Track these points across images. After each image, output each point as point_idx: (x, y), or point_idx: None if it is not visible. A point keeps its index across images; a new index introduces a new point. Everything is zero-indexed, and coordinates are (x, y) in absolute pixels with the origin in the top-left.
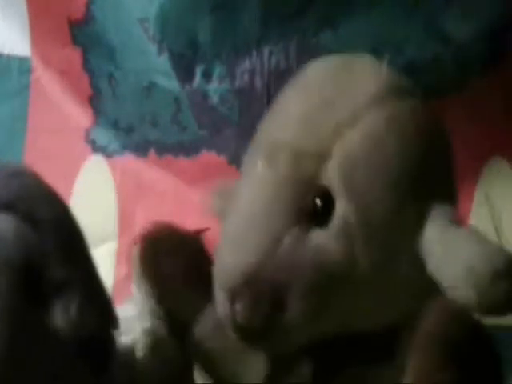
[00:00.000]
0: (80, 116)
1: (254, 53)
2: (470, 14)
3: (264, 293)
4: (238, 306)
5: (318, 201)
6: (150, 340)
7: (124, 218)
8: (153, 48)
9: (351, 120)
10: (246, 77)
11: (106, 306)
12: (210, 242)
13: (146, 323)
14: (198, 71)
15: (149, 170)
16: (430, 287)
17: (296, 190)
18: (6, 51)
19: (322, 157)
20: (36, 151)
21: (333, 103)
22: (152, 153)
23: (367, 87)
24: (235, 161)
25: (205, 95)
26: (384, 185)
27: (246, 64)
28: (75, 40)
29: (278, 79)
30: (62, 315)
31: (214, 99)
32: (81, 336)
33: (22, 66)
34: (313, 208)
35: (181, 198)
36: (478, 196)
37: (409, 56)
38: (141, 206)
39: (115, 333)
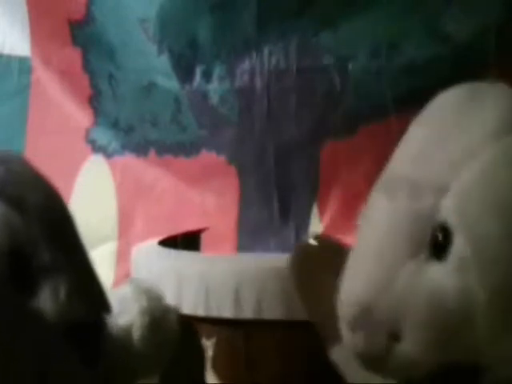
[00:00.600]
0: (80, 116)
1: (254, 53)
2: (470, 14)
3: (381, 324)
4: (357, 336)
5: (439, 234)
6: (147, 320)
7: (124, 218)
8: (153, 48)
9: (468, 156)
10: (246, 77)
11: (97, 292)
12: (209, 242)
13: (142, 302)
14: (198, 71)
15: (149, 170)
16: None
17: (414, 224)
18: (6, 51)
19: (439, 191)
20: (36, 151)
21: (451, 138)
22: (152, 153)
23: (485, 122)
24: (235, 161)
25: (205, 95)
26: (498, 220)
27: (246, 64)
28: (75, 40)
29: (278, 79)
30: (50, 299)
31: (214, 99)
32: (69, 321)
33: (22, 65)
34: (433, 241)
35: (181, 198)
36: None
37: (409, 56)
38: (141, 206)
39: (107, 318)
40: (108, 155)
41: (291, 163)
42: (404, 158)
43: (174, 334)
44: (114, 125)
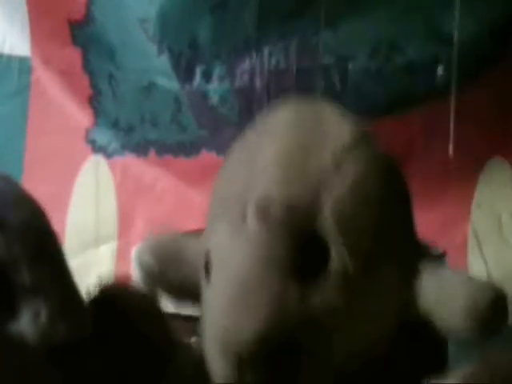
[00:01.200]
0: (80, 116)
1: (254, 53)
2: (470, 14)
3: (279, 355)
4: (252, 372)
5: (313, 252)
6: None
7: (124, 218)
8: (153, 48)
9: (333, 168)
10: (246, 77)
11: (79, 311)
12: None
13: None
14: (198, 71)
15: (149, 170)
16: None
17: (291, 250)
18: (6, 51)
19: (313, 209)
20: (36, 151)
21: (310, 149)
22: (152, 153)
23: (341, 135)
24: None
25: (205, 95)
26: (372, 233)
27: (246, 64)
28: (75, 40)
29: (278, 79)
30: (31, 322)
31: (214, 99)
32: (51, 343)
33: (22, 65)
34: (310, 262)
35: (181, 197)
36: (478, 196)
37: (409, 56)
38: (141, 206)
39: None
40: (108, 155)
41: None
42: (261, 176)
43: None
44: (114, 125)
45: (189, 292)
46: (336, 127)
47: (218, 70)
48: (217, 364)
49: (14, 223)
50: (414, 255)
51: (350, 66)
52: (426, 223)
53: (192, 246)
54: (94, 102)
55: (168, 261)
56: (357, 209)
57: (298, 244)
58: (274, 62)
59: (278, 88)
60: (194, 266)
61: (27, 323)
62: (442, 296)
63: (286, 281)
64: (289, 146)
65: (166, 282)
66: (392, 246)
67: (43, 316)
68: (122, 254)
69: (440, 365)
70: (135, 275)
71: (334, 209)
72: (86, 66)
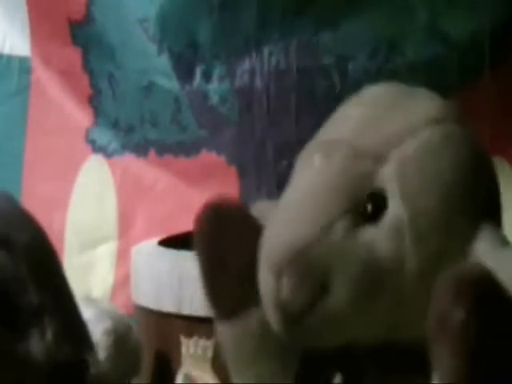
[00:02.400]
0: (80, 116)
1: (254, 53)
2: (470, 14)
3: (312, 272)
4: (284, 281)
5: (375, 197)
6: (111, 340)
7: (124, 218)
8: (153, 48)
9: (410, 131)
10: (246, 77)
11: (81, 331)
12: None
13: (106, 323)
14: (198, 71)
15: (149, 170)
16: None
17: (351, 184)
18: (6, 51)
19: (378, 158)
20: (36, 151)
21: (393, 114)
22: (152, 153)
23: (427, 108)
24: (235, 161)
25: (205, 95)
26: (436, 193)
27: (246, 64)
28: (75, 40)
29: (278, 79)
30: (37, 342)
31: (214, 99)
32: (56, 362)
33: (22, 65)
34: (366, 204)
35: (181, 197)
36: None
37: (409, 56)
38: (141, 206)
39: (91, 357)
40: (108, 155)
41: (291, 163)
42: (343, 124)
43: (138, 350)
44: (114, 125)
45: None
46: (426, 102)
47: (218, 70)
48: (262, 273)
49: (19, 243)
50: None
51: (350, 66)
52: None
53: None
54: (94, 102)
55: None
56: (420, 172)
57: (357, 183)
58: (273, 62)
59: (278, 88)
60: None
61: (34, 343)
62: (497, 270)
63: (341, 211)
64: (374, 109)
65: None
66: (451, 220)
67: (49, 335)
68: (122, 254)
69: None
70: (134, 276)
71: (399, 165)
72: (86, 65)
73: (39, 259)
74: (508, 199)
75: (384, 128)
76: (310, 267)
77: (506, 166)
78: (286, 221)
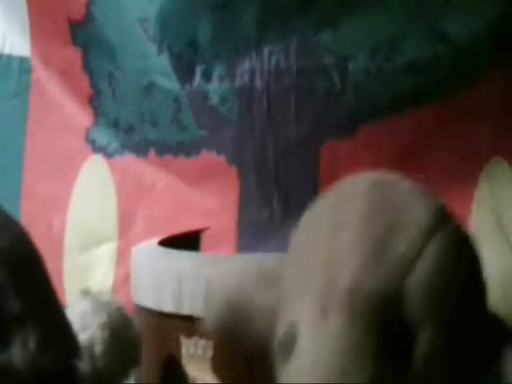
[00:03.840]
0: (80, 116)
1: (254, 53)
2: (469, 14)
3: None
4: None
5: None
6: (107, 334)
7: (124, 218)
8: (153, 48)
9: (415, 254)
10: (246, 77)
11: (67, 337)
12: (209, 242)
13: (102, 317)
14: (198, 71)
15: (149, 170)
16: None
17: (379, 334)
18: (6, 51)
19: (398, 294)
20: (36, 151)
21: (388, 239)
22: (152, 153)
23: (420, 217)
24: (235, 161)
25: (205, 95)
26: (462, 310)
27: (246, 64)
28: (75, 40)
29: (278, 79)
30: (20, 351)
31: (214, 99)
32: (39, 371)
33: (22, 65)
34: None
35: (181, 198)
36: (479, 196)
37: (409, 56)
38: (141, 206)
39: (77, 362)
40: (108, 155)
41: (291, 163)
42: (345, 263)
43: (136, 342)
44: (114, 125)
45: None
46: (415, 210)
47: (218, 70)
48: None
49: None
50: (496, 336)
51: (350, 66)
52: None
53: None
54: (94, 102)
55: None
56: (443, 290)
57: (385, 333)
58: (273, 62)
59: (278, 88)
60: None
61: (16, 352)
62: None
63: (376, 367)
64: (367, 233)
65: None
66: (476, 326)
67: (31, 344)
68: (122, 254)
69: None
70: (134, 276)
71: (421, 291)
72: (86, 65)
73: (22, 266)
74: (508, 199)
75: (389, 259)
76: None
77: (506, 166)
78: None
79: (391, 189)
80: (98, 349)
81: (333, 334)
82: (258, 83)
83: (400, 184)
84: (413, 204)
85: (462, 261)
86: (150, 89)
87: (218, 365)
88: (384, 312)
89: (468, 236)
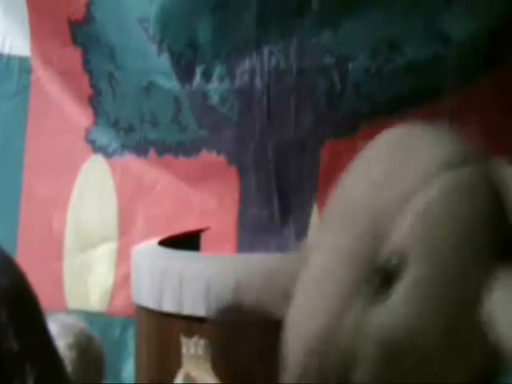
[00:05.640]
0: (80, 116)
1: (254, 53)
2: (470, 14)
3: (333, 361)
4: (311, 374)
5: (384, 266)
6: (74, 353)
7: (124, 218)
8: (153, 48)
9: (423, 183)
10: (246, 77)
11: (61, 374)
12: (209, 242)
13: (68, 338)
14: (198, 71)
15: (149, 170)
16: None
17: (365, 257)
18: (6, 51)
19: (393, 218)
20: (36, 151)
21: (405, 167)
22: (152, 153)
23: (439, 155)
24: (235, 161)
25: (205, 95)
26: (452, 247)
27: (246, 64)
28: (75, 40)
29: (278, 79)
30: None
31: (214, 99)
32: None
33: (22, 66)
34: (381, 275)
35: (181, 198)
36: None
37: (409, 56)
38: (141, 206)
39: None
40: (108, 155)
41: (291, 163)
42: (358, 185)
43: (100, 358)
44: (114, 125)
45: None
46: (438, 148)
47: (218, 70)
48: (290, 361)
49: (1, 290)
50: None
51: (350, 66)
52: None
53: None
54: (94, 102)
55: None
56: (435, 226)
57: (371, 253)
58: (273, 62)
59: (278, 88)
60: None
61: None
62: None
63: (353, 290)
64: (386, 162)
65: None
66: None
67: (29, 382)
68: (121, 254)
69: None
70: (134, 276)
71: (414, 222)
72: (86, 65)
73: (21, 307)
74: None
75: (396, 185)
76: (328, 369)
77: (506, 165)
78: (304, 310)
79: (423, 130)
80: (68, 369)
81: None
82: (258, 83)
83: (426, 130)
84: (438, 143)
85: (471, 206)
86: (149, 89)
87: (218, 365)
88: (376, 235)
89: (493, 186)
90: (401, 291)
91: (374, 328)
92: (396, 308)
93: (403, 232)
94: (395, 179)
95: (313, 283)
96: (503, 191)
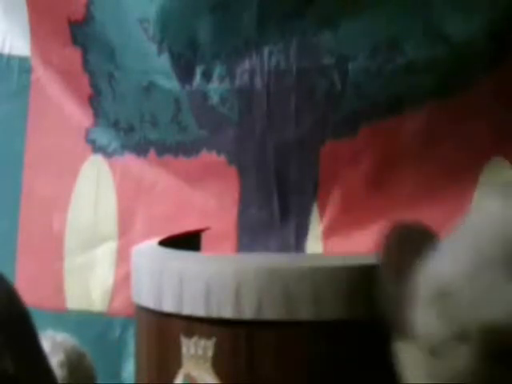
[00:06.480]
0: (80, 116)
1: (254, 53)
2: (470, 15)
3: (456, 314)
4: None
5: None
6: (66, 371)
7: (124, 218)
8: (153, 48)
9: None
10: (246, 77)
11: None
12: (209, 242)
13: (60, 356)
14: (198, 71)
15: (149, 170)
16: None
17: None
18: (6, 51)
19: None
20: (36, 151)
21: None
22: (152, 153)
23: None
24: (235, 161)
25: (205, 95)
26: None
27: (246, 64)
28: (75, 40)
29: (278, 79)
30: None
31: (214, 99)
32: None
33: (22, 65)
34: None
35: (181, 197)
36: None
37: (409, 56)
38: (141, 206)
39: None
40: (108, 155)
41: (291, 163)
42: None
43: (91, 374)
44: (114, 125)
45: None
46: None
47: (218, 70)
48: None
49: None
50: None
51: (350, 66)
52: (426, 223)
53: None
54: (94, 102)
55: None
56: None
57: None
58: (274, 62)
59: (278, 88)
60: None
61: None
62: None
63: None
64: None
65: None
66: None
67: None
68: (122, 254)
69: None
70: (134, 276)
71: None
72: (86, 65)
73: (15, 324)
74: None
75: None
76: (453, 310)
77: (507, 166)
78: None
79: None
80: None
81: None
82: (258, 83)
83: None
84: None
85: None
86: (149, 89)
87: (218, 365)
88: None
89: None
90: None
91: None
92: None
93: None
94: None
95: (464, 244)
96: None
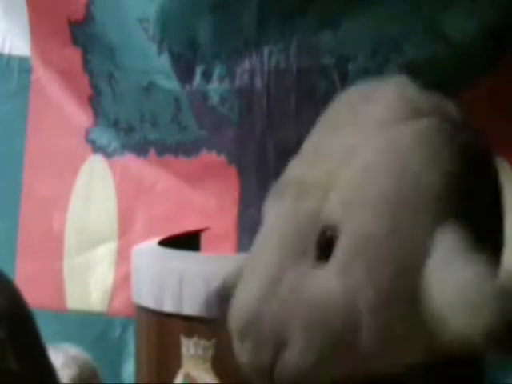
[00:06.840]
0: (80, 116)
1: (254, 53)
2: (470, 14)
3: (266, 333)
4: (245, 347)
5: (324, 234)
6: None
7: (124, 218)
8: (153, 48)
9: (352, 151)
10: (246, 77)
11: None
12: (209, 242)
13: (72, 370)
14: (198, 71)
15: (149, 170)
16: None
17: (299, 225)
18: (6, 51)
19: (326, 187)
20: (36, 151)
21: (342, 136)
22: (152, 153)
23: (370, 116)
24: (235, 161)
25: (205, 95)
26: (380, 219)
27: (246, 64)
28: (75, 40)
29: (278, 79)
30: None
31: (214, 99)
32: None
33: (22, 65)
34: (318, 242)
35: (181, 198)
36: None
37: (409, 56)
38: (141, 206)
39: None
40: (108, 155)
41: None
42: (296, 162)
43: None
44: (114, 125)
45: None
46: (376, 107)
47: (218, 70)
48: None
49: (1, 309)
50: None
51: (350, 66)
52: None
53: None
54: (94, 102)
55: None
56: (362, 193)
57: (306, 224)
58: (274, 62)
59: (278, 88)
60: None
61: None
62: (443, 285)
63: (289, 260)
64: (324, 132)
65: None
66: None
67: None
68: (122, 254)
69: None
70: (134, 276)
71: (343, 191)
72: (86, 65)
73: (20, 326)
74: (508, 200)
75: (333, 152)
76: (263, 330)
77: (507, 166)
78: (243, 284)
79: (377, 89)
80: None
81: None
82: (258, 83)
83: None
84: (384, 101)
85: (406, 169)
86: (149, 89)
87: (218, 365)
88: (310, 205)
89: (453, 142)
90: (334, 263)
91: (308, 294)
92: (330, 279)
93: (345, 184)
94: (333, 146)
95: (259, 243)
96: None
